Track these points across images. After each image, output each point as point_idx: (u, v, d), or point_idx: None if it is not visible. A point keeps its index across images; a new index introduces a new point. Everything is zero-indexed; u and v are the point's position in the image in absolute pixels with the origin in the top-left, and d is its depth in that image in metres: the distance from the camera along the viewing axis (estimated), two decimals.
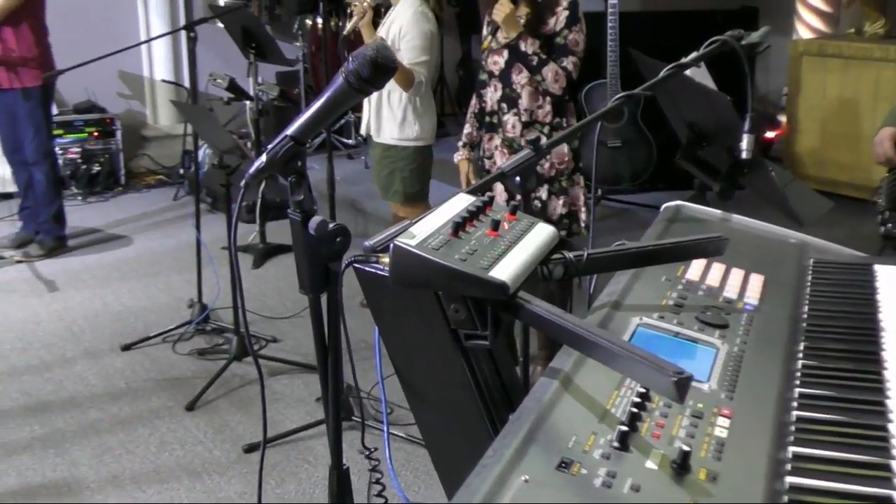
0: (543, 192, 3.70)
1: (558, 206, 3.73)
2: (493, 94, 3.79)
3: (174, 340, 4.61)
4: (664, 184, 6.07)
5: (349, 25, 4.71)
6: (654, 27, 6.52)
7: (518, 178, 1.82)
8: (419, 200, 4.63)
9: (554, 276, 1.49)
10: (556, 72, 3.63)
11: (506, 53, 3.72)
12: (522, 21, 3.67)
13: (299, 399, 4.06)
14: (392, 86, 4.36)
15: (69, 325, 4.88)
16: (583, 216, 3.77)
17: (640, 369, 1.15)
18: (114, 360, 4.45)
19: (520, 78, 3.70)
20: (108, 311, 5.07)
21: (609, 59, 5.78)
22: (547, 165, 3.68)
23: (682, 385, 1.10)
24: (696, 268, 1.74)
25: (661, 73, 2.03)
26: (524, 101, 3.70)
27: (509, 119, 3.75)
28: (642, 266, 1.67)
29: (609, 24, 5.76)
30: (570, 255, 1.51)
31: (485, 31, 3.87)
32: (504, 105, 3.76)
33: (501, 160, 3.76)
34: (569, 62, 3.65)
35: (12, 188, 6.19)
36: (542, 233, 1.48)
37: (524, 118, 3.72)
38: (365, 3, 4.54)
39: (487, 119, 3.84)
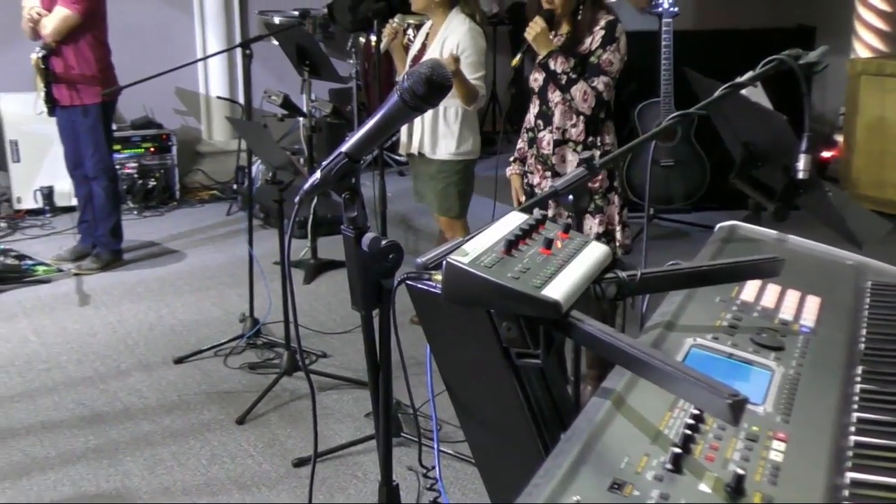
0: None
1: (594, 225, 3.67)
2: (532, 110, 3.82)
3: (226, 354, 4.65)
4: (717, 203, 5.99)
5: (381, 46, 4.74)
6: (709, 46, 6.46)
7: (571, 197, 1.82)
8: (465, 213, 4.71)
9: (607, 295, 1.49)
10: (584, 91, 3.59)
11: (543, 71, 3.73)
12: (563, 40, 3.67)
13: (349, 414, 4.07)
14: (447, 102, 4.37)
15: (124, 337, 4.95)
16: (618, 235, 3.70)
17: (695, 391, 1.13)
18: (167, 373, 4.51)
19: (553, 96, 3.71)
20: (161, 324, 5.14)
21: (663, 77, 5.74)
22: None
23: (738, 407, 1.09)
24: (750, 289, 1.71)
25: (717, 93, 2.01)
26: (556, 119, 3.70)
27: (544, 136, 3.75)
28: (696, 286, 1.65)
29: (663, 43, 5.73)
30: (623, 274, 1.50)
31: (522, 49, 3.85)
32: (540, 122, 3.77)
33: (537, 176, 3.78)
34: (600, 82, 3.59)
35: (75, 202, 6.32)
36: (596, 251, 1.48)
37: (556, 136, 3.71)
38: (394, 24, 4.56)
39: (530, 135, 3.85)
